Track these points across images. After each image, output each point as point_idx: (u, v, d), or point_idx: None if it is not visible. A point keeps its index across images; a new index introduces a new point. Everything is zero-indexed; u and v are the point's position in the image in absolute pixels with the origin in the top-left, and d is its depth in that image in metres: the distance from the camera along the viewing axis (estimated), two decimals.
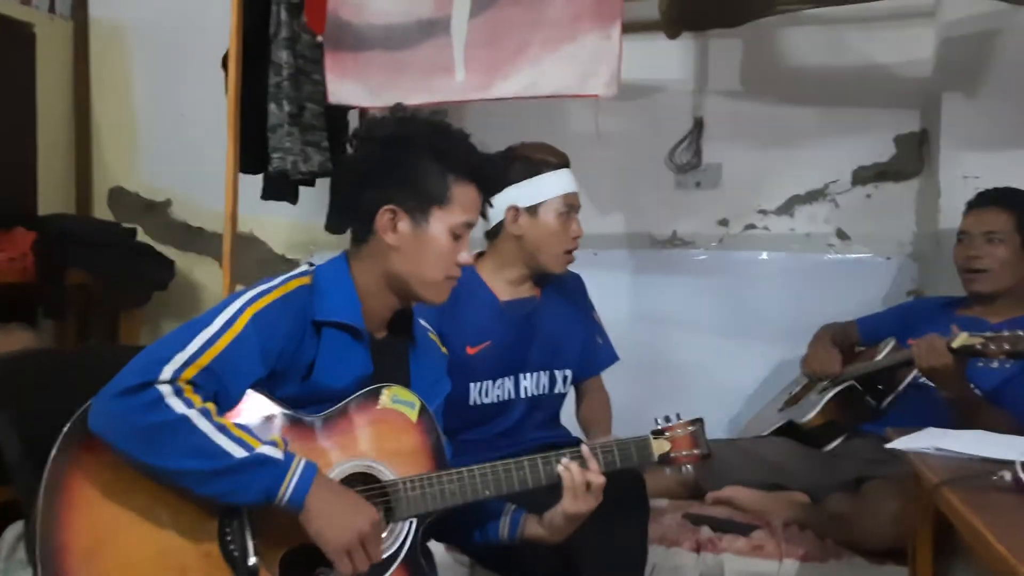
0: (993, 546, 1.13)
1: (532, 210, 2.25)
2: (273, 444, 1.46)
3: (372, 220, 1.65)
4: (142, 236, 3.87)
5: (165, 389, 1.42)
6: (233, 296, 1.57)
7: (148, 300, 3.73)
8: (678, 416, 1.85)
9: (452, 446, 1.82)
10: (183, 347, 1.46)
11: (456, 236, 1.67)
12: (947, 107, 3.08)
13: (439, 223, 1.65)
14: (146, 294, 3.71)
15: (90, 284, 3.53)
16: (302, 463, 1.46)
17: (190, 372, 1.45)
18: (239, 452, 1.42)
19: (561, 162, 2.30)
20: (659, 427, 1.83)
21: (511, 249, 2.29)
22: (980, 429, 1.98)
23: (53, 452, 1.44)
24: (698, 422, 1.84)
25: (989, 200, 2.54)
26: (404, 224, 1.65)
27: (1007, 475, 1.42)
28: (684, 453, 1.81)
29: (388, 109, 1.78)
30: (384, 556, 1.56)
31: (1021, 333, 2.06)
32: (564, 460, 1.70)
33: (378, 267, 1.67)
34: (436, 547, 2.12)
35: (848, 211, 3.38)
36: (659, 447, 1.80)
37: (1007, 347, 2.05)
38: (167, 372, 1.43)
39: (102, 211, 4.01)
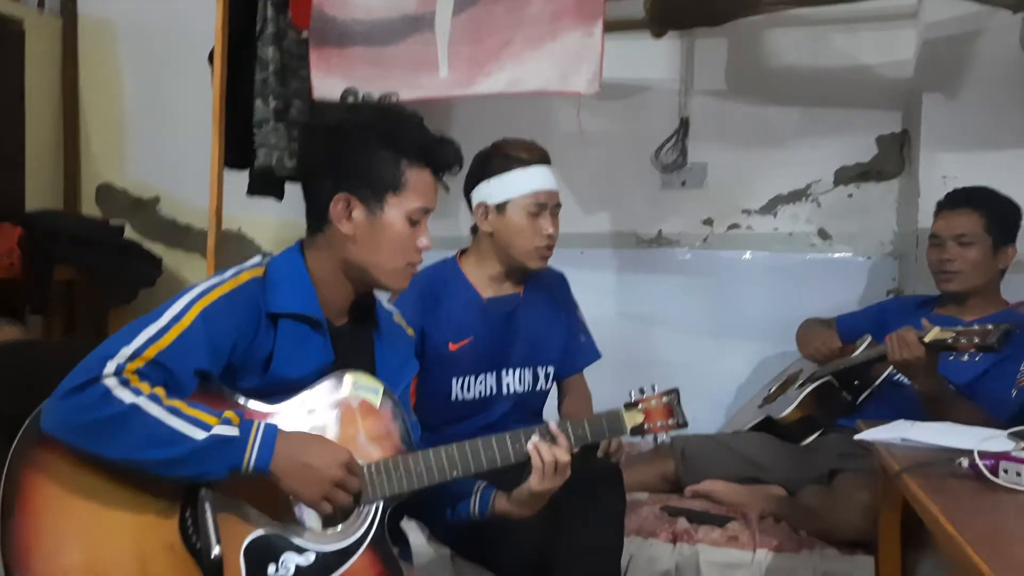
0: (945, 527, 1.16)
1: (501, 207, 2.25)
2: (228, 421, 1.45)
3: (326, 209, 1.63)
4: (130, 233, 3.90)
5: (111, 382, 1.41)
6: (183, 291, 1.55)
7: (135, 296, 3.75)
8: (653, 387, 1.83)
9: (435, 439, 1.83)
10: (128, 342, 1.45)
11: (413, 222, 1.65)
12: (927, 108, 3.11)
13: (394, 210, 1.63)
14: (133, 291, 3.73)
15: (77, 280, 3.56)
16: (260, 431, 1.46)
17: (135, 365, 1.43)
18: (196, 434, 1.41)
19: (535, 159, 2.27)
20: (632, 399, 1.81)
21: (487, 246, 2.31)
22: (951, 422, 2.00)
23: (10, 455, 1.44)
24: (673, 392, 1.81)
25: (959, 201, 2.57)
26: (359, 212, 1.62)
27: (964, 462, 1.45)
28: (659, 423, 1.79)
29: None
30: (352, 540, 1.58)
31: (990, 327, 2.09)
32: (533, 439, 1.69)
33: (335, 256, 1.66)
34: (417, 537, 2.15)
35: (830, 211, 3.41)
36: (632, 419, 1.78)
37: (976, 340, 2.09)
38: (111, 366, 1.41)
39: (90, 208, 4.03)
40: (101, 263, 3.54)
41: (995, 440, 1.54)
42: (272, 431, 1.48)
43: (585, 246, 3.52)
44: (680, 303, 3.48)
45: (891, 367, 2.49)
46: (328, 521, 1.59)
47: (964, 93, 3.06)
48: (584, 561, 1.95)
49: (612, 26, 2.71)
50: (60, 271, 3.41)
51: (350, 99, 1.72)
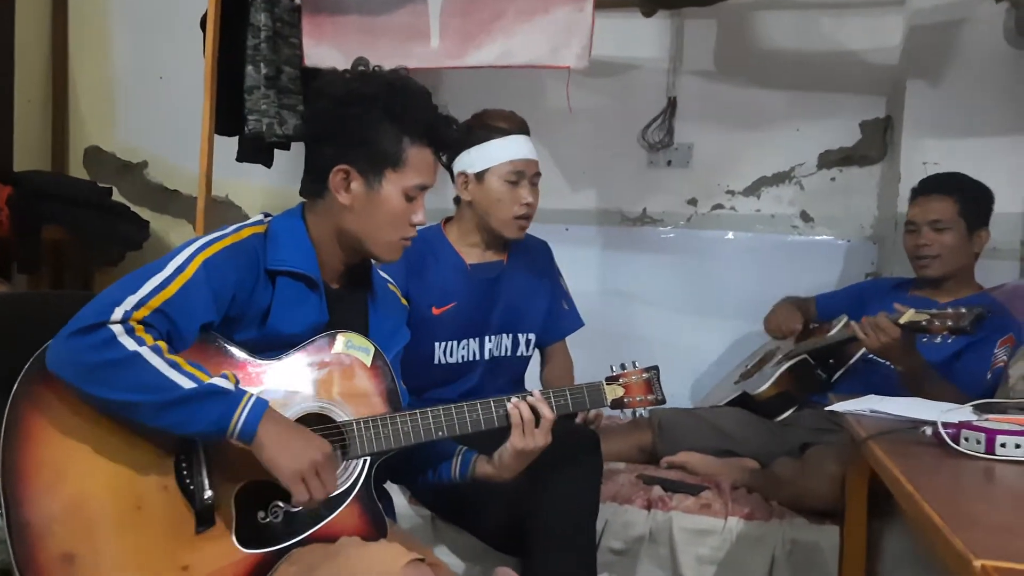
0: (905, 486, 1.21)
1: (480, 176, 2.29)
2: (224, 377, 1.49)
3: (326, 178, 1.66)
4: (117, 197, 3.90)
5: (117, 328, 1.44)
6: (186, 243, 1.59)
7: (122, 259, 3.77)
8: (634, 364, 1.91)
9: (417, 402, 1.87)
10: (135, 290, 1.49)
11: (410, 197, 1.68)
12: (911, 94, 3.16)
13: (392, 185, 1.66)
14: (120, 253, 3.75)
15: (65, 240, 3.57)
16: (253, 397, 1.49)
17: (141, 313, 1.47)
18: (190, 384, 1.45)
19: (514, 128, 2.31)
20: (613, 374, 1.89)
21: (469, 214, 2.35)
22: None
23: (13, 391, 1.48)
24: (653, 369, 1.91)
25: (932, 188, 2.62)
26: (357, 184, 1.66)
27: (928, 430, 1.51)
28: (638, 398, 1.88)
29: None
30: (339, 491, 1.61)
31: (963, 310, 2.14)
32: (514, 399, 1.75)
33: (332, 223, 1.70)
34: (398, 499, 2.19)
35: (813, 194, 3.46)
36: (612, 392, 1.87)
37: (950, 323, 2.14)
38: (118, 313, 1.45)
39: (77, 170, 4.04)
40: (89, 224, 3.56)
41: (958, 411, 1.60)
42: (263, 403, 1.50)
43: (570, 222, 3.57)
44: (663, 281, 3.53)
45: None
46: None
47: (947, 80, 3.11)
48: (560, 523, 1.99)
49: (603, 4, 2.73)
50: (48, 231, 3.43)
51: (360, 68, 1.72)
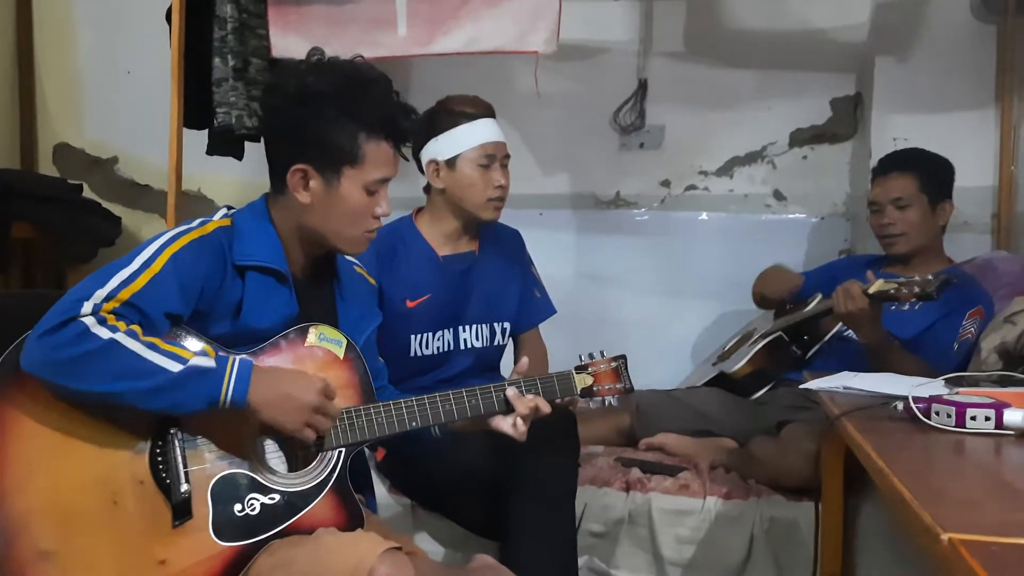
0: (876, 461, 1.22)
1: (451, 162, 2.29)
2: (204, 353, 1.50)
3: (284, 176, 1.65)
4: (88, 194, 3.85)
5: (88, 320, 1.45)
6: (152, 238, 1.60)
7: (95, 256, 3.72)
8: (602, 353, 1.93)
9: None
10: (102, 284, 1.49)
11: (371, 191, 1.67)
12: (880, 71, 3.17)
13: (351, 182, 1.65)
14: (92, 250, 3.71)
15: (36, 238, 3.52)
16: (236, 364, 1.51)
17: (110, 305, 1.47)
18: (173, 366, 1.46)
19: (480, 112, 2.31)
20: (582, 363, 1.91)
21: (441, 203, 2.35)
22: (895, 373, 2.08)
23: None
24: (621, 358, 1.93)
25: (891, 166, 2.65)
26: (315, 183, 1.65)
27: (899, 406, 1.52)
28: (607, 387, 1.90)
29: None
30: (315, 483, 1.62)
31: (930, 277, 2.18)
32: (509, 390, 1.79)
33: (294, 219, 1.69)
34: (377, 488, 2.20)
35: (785, 172, 3.47)
36: (582, 381, 1.89)
37: (917, 290, 2.18)
38: (87, 307, 1.46)
39: (47, 168, 3.97)
40: (60, 221, 3.51)
41: (930, 386, 1.61)
42: (247, 364, 1.53)
43: (544, 207, 3.55)
44: (637, 263, 3.53)
45: (840, 323, 2.57)
46: (293, 464, 1.64)
47: (916, 57, 3.13)
48: (539, 507, 2.01)
49: None
50: (18, 229, 3.37)
51: (315, 58, 1.70)
